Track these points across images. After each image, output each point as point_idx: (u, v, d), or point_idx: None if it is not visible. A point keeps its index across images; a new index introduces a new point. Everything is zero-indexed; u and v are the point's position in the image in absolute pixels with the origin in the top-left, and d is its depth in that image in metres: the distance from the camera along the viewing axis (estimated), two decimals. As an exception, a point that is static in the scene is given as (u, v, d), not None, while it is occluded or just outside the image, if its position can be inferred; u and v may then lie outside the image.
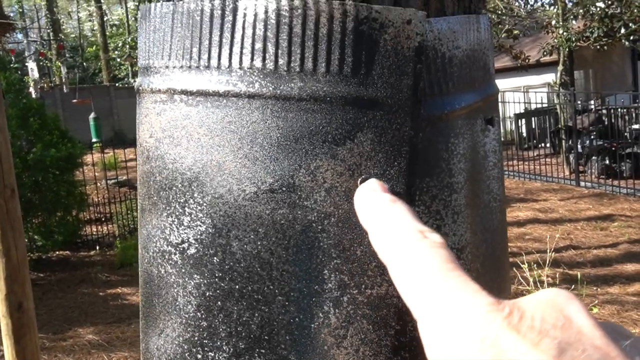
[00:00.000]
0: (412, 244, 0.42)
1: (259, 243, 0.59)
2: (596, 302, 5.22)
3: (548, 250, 4.83)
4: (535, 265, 4.84)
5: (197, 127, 0.61)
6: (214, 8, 0.61)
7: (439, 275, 0.39)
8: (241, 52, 0.58)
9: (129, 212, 9.52)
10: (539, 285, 4.62)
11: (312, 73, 0.58)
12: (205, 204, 0.61)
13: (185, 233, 0.61)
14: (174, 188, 0.62)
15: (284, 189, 0.59)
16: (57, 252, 8.70)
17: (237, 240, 0.60)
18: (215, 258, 0.60)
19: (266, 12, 0.59)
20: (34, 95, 14.76)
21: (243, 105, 0.59)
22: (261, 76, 0.58)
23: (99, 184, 11.32)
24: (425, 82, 0.60)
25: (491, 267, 0.69)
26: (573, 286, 5.65)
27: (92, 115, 16.62)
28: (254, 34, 0.58)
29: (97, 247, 9.11)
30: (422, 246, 0.41)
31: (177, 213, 0.62)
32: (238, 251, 0.59)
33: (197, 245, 0.61)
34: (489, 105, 0.68)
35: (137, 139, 0.68)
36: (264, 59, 0.58)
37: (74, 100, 17.94)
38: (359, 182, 0.58)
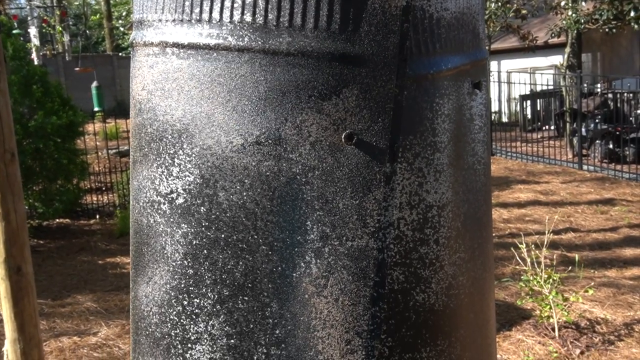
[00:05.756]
0: None
1: (244, 194, 0.61)
2: (593, 284, 5.25)
3: (547, 232, 4.85)
4: (533, 246, 4.86)
5: (187, 79, 0.62)
6: (206, -39, 0.62)
7: None
8: (232, 6, 0.59)
9: (129, 182, 9.53)
10: (536, 266, 4.65)
11: (300, 28, 0.59)
12: (193, 155, 0.63)
13: (174, 183, 0.63)
14: (164, 139, 0.64)
15: (270, 141, 0.61)
16: (57, 220, 8.76)
17: (223, 190, 0.62)
18: (202, 208, 0.62)
19: (257, -34, 0.60)
20: (36, 62, 14.70)
21: (232, 59, 0.61)
22: (251, 30, 0.60)
23: (100, 154, 11.34)
24: (412, 41, 0.61)
25: (472, 226, 0.71)
26: (570, 268, 5.69)
27: (94, 84, 16.57)
28: (245, -12, 0.59)
29: (97, 216, 9.17)
30: None
31: (167, 164, 0.64)
32: (224, 201, 0.61)
33: (185, 195, 0.62)
34: (477, 69, 0.69)
35: (131, 92, 0.69)
36: (254, 13, 0.59)
37: (77, 69, 17.87)
38: (343, 137, 0.59)
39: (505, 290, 5.60)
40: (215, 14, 0.59)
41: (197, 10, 0.60)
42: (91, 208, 9.38)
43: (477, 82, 0.70)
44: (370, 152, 0.60)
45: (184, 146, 0.62)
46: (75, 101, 9.40)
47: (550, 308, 4.46)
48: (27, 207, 7.51)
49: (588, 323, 4.75)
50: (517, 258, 4.86)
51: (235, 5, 0.59)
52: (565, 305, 4.52)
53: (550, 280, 4.49)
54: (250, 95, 0.59)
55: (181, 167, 0.63)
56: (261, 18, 0.57)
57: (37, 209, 8.07)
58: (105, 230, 8.53)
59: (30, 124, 7.80)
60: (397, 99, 0.57)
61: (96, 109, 15.72)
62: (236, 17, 0.58)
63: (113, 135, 13.06)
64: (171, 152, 0.63)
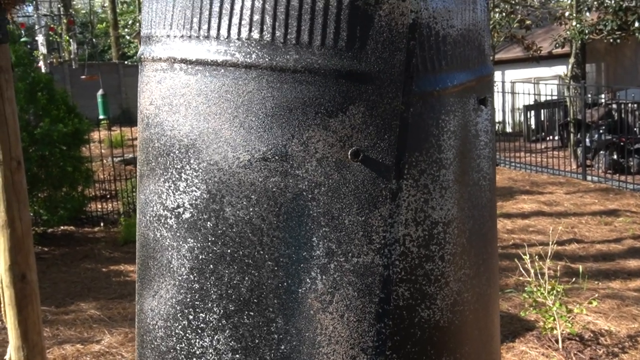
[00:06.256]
0: None
1: (251, 209, 0.61)
2: (597, 296, 5.23)
3: (551, 243, 4.83)
4: (537, 257, 4.84)
5: (195, 95, 0.63)
6: (215, -21, 0.63)
7: None
8: (240, 23, 0.60)
9: (134, 189, 9.58)
10: (540, 277, 4.63)
11: (307, 46, 0.60)
12: (200, 170, 0.63)
13: (180, 198, 0.64)
14: (172, 154, 0.64)
15: (276, 157, 0.61)
16: (62, 227, 8.77)
17: (230, 206, 0.62)
18: (208, 223, 0.62)
19: (265, -16, 0.60)
20: (43, 70, 14.80)
21: (240, 75, 0.61)
22: (258, 47, 0.60)
23: (105, 161, 11.36)
24: (418, 58, 0.61)
25: (478, 242, 0.71)
26: (574, 279, 5.67)
27: (100, 92, 16.64)
28: (252, 5, 0.60)
29: (102, 224, 9.18)
30: None
31: (174, 178, 0.65)
32: (231, 217, 0.62)
33: (191, 210, 0.63)
34: (482, 85, 0.70)
35: (138, 107, 0.70)
36: (261, 30, 0.60)
37: (83, 77, 17.97)
38: (349, 153, 0.60)
39: (509, 301, 5.58)
40: (223, 31, 0.60)
41: (205, 26, 0.61)
42: (96, 216, 9.40)
43: (483, 98, 0.71)
44: (376, 169, 0.60)
45: (191, 161, 0.63)
46: (81, 109, 9.44)
47: (554, 319, 4.44)
48: (31, 214, 7.53)
49: (592, 335, 4.73)
50: (521, 269, 4.84)
51: (243, 22, 0.59)
52: (569, 317, 4.50)
53: (554, 291, 4.47)
54: (257, 112, 0.59)
55: (188, 182, 0.63)
56: (268, 35, 0.58)
57: (41, 216, 8.08)
58: (110, 237, 8.54)
59: (36, 132, 7.83)
60: (403, 116, 0.58)
61: (101, 116, 15.78)
62: (244, 34, 0.59)
63: (118, 143, 13.11)
64: (178, 167, 0.64)
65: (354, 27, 0.57)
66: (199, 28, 0.61)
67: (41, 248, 7.85)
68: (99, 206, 9.63)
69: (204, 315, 0.62)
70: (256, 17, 0.59)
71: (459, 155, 0.66)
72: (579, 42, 13.26)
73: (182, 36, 0.63)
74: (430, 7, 0.61)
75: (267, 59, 0.58)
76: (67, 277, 6.95)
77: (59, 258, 7.67)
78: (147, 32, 0.68)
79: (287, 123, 0.58)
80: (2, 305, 3.33)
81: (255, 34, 0.58)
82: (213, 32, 0.60)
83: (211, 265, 0.61)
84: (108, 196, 10.19)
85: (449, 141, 0.64)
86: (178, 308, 0.64)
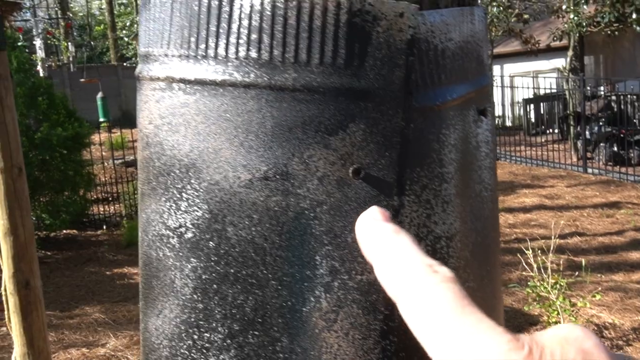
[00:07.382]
0: (422, 279, 0.40)
1: (253, 229, 0.61)
2: (600, 289, 5.23)
3: (553, 237, 4.83)
4: (539, 251, 4.84)
5: (194, 114, 0.63)
6: (212, -1, 0.63)
7: (452, 313, 0.37)
8: (237, 43, 0.59)
9: (135, 192, 9.59)
10: (542, 272, 4.62)
11: (305, 64, 0.59)
12: (201, 190, 0.63)
13: (182, 218, 0.63)
14: (172, 174, 0.64)
15: (277, 176, 0.60)
16: (65, 231, 8.79)
17: (232, 225, 0.62)
18: (211, 242, 0.62)
19: (262, 3, 0.60)
20: (41, 74, 14.80)
21: (239, 95, 0.61)
22: (256, 66, 0.60)
23: (106, 164, 11.36)
24: (417, 73, 0.61)
25: (481, 255, 0.70)
26: (577, 272, 5.66)
27: (99, 95, 16.63)
28: (250, 24, 0.59)
29: (104, 227, 9.19)
30: (433, 281, 0.39)
31: (175, 198, 0.64)
32: (233, 236, 0.61)
33: (193, 230, 0.62)
34: (481, 96, 0.69)
35: (138, 125, 0.70)
36: (259, 49, 0.59)
37: (82, 80, 17.96)
38: (350, 171, 0.59)
39: (512, 296, 5.59)
40: (221, 50, 0.59)
41: (202, 46, 0.60)
42: (98, 219, 9.41)
43: (483, 108, 0.70)
44: (378, 186, 0.59)
45: (192, 181, 0.62)
46: (81, 112, 9.45)
47: (558, 314, 4.44)
48: (34, 219, 7.53)
49: (596, 328, 4.73)
50: (524, 263, 4.84)
51: (241, 41, 0.59)
52: (572, 311, 4.50)
53: (557, 285, 4.48)
54: (257, 131, 0.59)
55: (189, 201, 0.63)
56: (267, 54, 0.57)
57: (44, 221, 8.10)
58: (112, 240, 8.56)
59: (37, 136, 7.84)
60: (404, 132, 0.57)
61: (102, 119, 15.77)
62: (242, 53, 0.58)
63: (119, 145, 13.13)
64: (179, 186, 0.63)
65: (352, 44, 0.57)
66: (197, 47, 0.61)
67: (44, 252, 7.87)
68: (101, 209, 9.64)
69: (208, 335, 0.62)
70: (254, 35, 0.59)
71: (461, 169, 0.65)
72: (577, 34, 13.25)
73: (179, 55, 0.63)
74: (428, 21, 0.60)
75: (265, 78, 0.57)
76: (71, 281, 6.97)
77: (63, 262, 7.68)
78: (145, 50, 0.67)
79: (287, 142, 0.58)
80: (6, 312, 3.33)
81: (253, 53, 0.58)
82: (211, 52, 0.60)
83: (215, 285, 0.61)
84: (110, 199, 10.20)
85: (450, 155, 0.64)
86: (182, 328, 0.64)
